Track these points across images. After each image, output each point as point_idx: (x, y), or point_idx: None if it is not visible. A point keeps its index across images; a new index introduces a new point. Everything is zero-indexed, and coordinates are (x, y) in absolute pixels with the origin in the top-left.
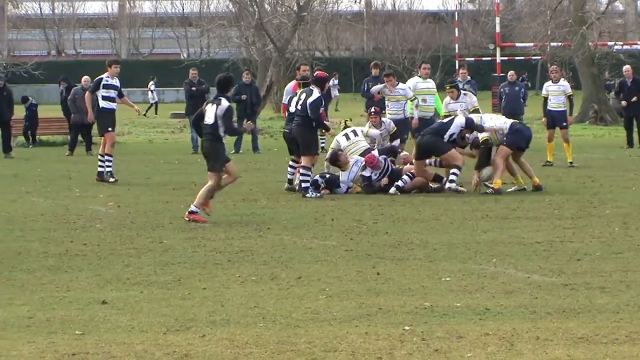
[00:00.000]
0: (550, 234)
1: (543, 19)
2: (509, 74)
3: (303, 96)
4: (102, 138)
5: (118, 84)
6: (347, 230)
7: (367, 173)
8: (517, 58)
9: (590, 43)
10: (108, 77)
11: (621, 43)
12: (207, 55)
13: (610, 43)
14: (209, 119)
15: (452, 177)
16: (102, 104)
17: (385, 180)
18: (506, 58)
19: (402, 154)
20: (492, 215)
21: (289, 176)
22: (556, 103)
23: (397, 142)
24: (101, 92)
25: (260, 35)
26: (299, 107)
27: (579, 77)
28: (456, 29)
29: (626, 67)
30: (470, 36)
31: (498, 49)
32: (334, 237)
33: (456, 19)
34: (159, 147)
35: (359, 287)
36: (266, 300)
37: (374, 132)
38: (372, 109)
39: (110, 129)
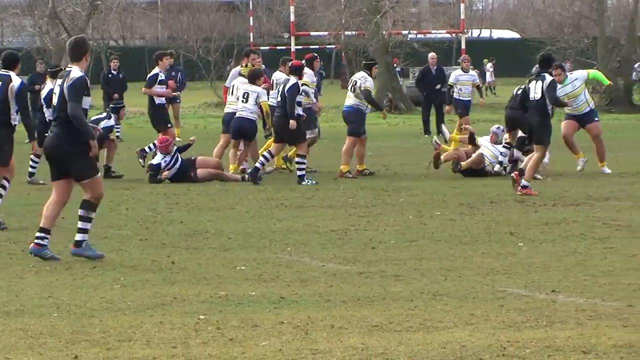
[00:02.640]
0: (345, 222)
1: (337, 7)
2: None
3: (281, 87)
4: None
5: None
6: (142, 219)
7: (156, 160)
8: (311, 47)
9: (384, 32)
10: (160, 71)
11: (415, 32)
12: (0, 44)
13: (404, 32)
14: (537, 94)
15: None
16: (158, 100)
17: (166, 174)
18: (301, 47)
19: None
20: (287, 204)
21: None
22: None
23: None
24: (156, 88)
25: (54, 24)
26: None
27: None
28: (251, 18)
29: (432, 55)
30: (265, 25)
31: (293, 38)
32: (129, 227)
33: (251, 7)
34: None
35: (153, 276)
36: (60, 290)
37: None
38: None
39: (169, 125)
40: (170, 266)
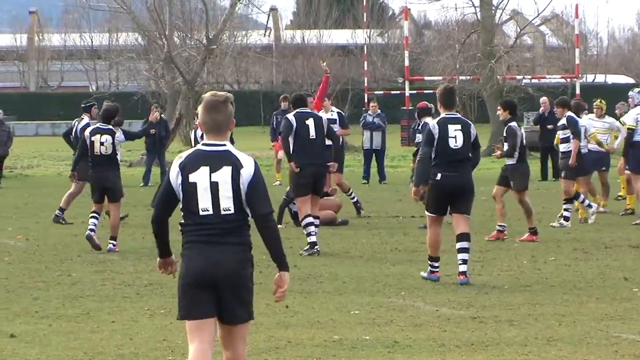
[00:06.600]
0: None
1: (452, 52)
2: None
3: None
4: None
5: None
6: (255, 263)
7: None
8: (426, 91)
9: (498, 76)
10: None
11: (529, 76)
12: (116, 88)
13: (518, 77)
14: None
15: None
16: None
17: None
18: (415, 91)
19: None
20: (401, 248)
21: None
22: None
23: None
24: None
25: (169, 68)
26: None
27: (488, 111)
28: (365, 62)
29: (543, 99)
30: (379, 69)
31: (407, 82)
32: None
33: (365, 52)
34: (67, 180)
35: (268, 320)
36: (175, 333)
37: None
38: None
39: None
40: (284, 310)
